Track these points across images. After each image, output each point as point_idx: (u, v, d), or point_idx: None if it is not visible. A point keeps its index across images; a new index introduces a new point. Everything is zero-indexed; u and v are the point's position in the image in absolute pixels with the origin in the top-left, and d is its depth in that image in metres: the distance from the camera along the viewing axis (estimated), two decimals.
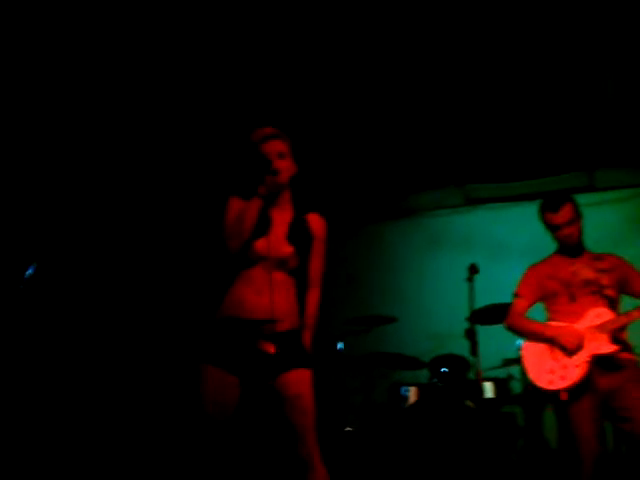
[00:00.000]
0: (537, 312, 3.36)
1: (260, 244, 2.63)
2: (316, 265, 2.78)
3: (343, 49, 4.49)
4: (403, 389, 4.59)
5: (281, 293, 2.63)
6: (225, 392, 2.55)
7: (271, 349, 2.56)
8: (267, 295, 2.59)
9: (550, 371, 3.13)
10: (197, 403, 2.58)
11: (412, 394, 4.54)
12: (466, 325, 4.30)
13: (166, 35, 4.36)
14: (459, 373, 4.54)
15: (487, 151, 5.34)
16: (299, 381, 2.58)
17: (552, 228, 3.28)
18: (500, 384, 4.52)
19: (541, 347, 3.21)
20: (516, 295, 3.36)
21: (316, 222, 2.81)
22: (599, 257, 3.28)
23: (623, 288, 3.25)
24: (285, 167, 2.68)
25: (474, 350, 4.21)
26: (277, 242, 2.66)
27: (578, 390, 3.07)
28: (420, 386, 4.59)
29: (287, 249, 2.67)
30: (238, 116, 4.59)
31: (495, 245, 5.63)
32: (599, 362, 3.08)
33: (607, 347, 3.08)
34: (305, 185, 2.85)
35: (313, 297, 2.77)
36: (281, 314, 2.60)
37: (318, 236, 2.79)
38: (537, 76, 4.72)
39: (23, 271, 3.41)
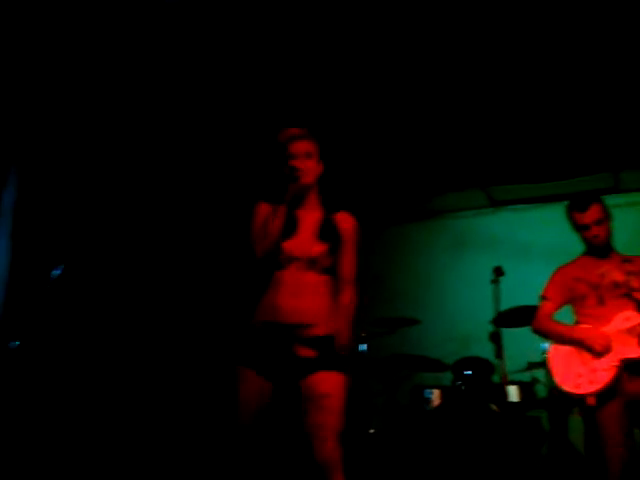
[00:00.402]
0: (565, 315, 3.33)
1: (289, 245, 2.62)
2: (347, 264, 2.72)
3: (368, 52, 4.47)
4: (426, 392, 4.56)
5: (316, 295, 2.60)
6: (257, 395, 2.53)
7: (310, 354, 2.52)
8: (301, 298, 2.56)
9: (577, 375, 3.09)
10: (230, 406, 2.56)
11: (435, 397, 4.51)
12: (491, 328, 4.26)
13: (191, 40, 4.37)
14: (483, 376, 4.51)
15: (511, 153, 5.29)
16: (329, 381, 2.52)
17: (580, 228, 3.25)
18: (525, 388, 4.47)
19: (568, 350, 3.17)
20: (543, 297, 3.33)
21: (345, 220, 2.78)
22: (628, 259, 3.22)
23: None
24: (311, 167, 2.69)
25: (499, 353, 4.17)
26: (306, 242, 2.65)
27: (606, 394, 3.02)
28: (443, 389, 4.56)
29: (317, 248, 2.65)
30: (267, 120, 4.60)
31: (520, 247, 5.60)
32: (628, 366, 3.03)
33: (636, 351, 3.03)
34: (330, 186, 2.84)
35: (346, 297, 2.68)
36: (317, 317, 2.57)
37: (348, 234, 2.75)
38: (562, 77, 4.66)
39: (50, 272, 3.44)
